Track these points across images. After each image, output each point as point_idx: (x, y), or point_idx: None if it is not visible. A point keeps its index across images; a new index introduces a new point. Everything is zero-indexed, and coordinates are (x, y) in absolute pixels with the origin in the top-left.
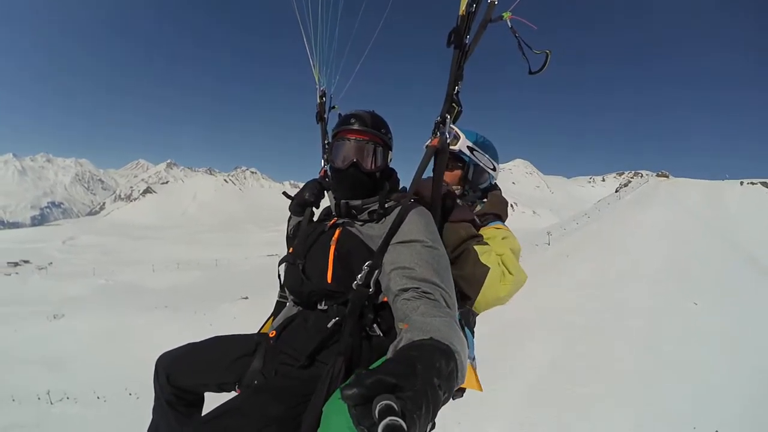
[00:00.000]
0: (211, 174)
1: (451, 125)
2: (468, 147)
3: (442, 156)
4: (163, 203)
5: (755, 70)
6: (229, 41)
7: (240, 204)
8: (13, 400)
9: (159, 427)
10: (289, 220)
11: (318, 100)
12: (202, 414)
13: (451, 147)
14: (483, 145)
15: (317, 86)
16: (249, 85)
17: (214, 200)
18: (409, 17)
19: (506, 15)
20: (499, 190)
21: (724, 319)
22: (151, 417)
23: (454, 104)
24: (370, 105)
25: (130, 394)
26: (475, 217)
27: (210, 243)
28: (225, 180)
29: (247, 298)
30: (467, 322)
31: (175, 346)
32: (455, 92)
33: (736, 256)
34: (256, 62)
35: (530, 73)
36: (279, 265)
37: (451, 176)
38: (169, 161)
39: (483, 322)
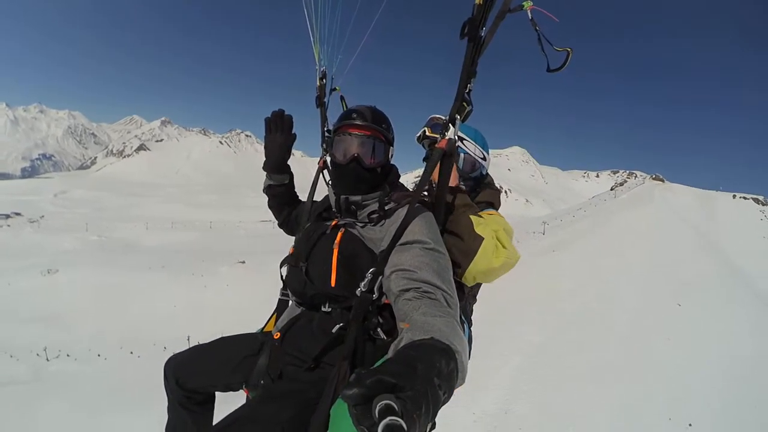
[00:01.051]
0: (205, 135)
1: (436, 116)
2: (457, 136)
3: (450, 159)
4: (156, 161)
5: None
6: (228, 5)
7: (234, 166)
8: (11, 356)
9: (176, 427)
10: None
11: (317, 83)
12: (214, 409)
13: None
14: (470, 134)
15: (317, 66)
16: (247, 49)
17: (208, 161)
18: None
19: (527, 4)
20: (491, 179)
21: (704, 321)
22: (166, 412)
23: (465, 103)
24: (374, 88)
25: (131, 353)
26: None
27: (203, 204)
28: (220, 141)
29: (244, 262)
30: (465, 313)
31: (181, 349)
32: (467, 90)
33: (721, 264)
34: (254, 27)
35: (548, 70)
36: (281, 267)
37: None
38: (163, 119)
39: (478, 303)
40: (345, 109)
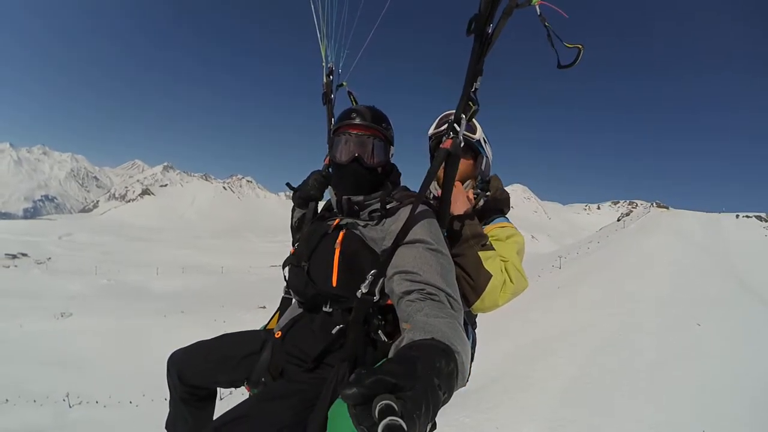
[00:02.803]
0: (206, 180)
1: (448, 112)
2: (482, 138)
3: (454, 159)
4: (160, 206)
5: (752, 101)
6: (227, 61)
7: (238, 212)
8: (34, 401)
9: (176, 421)
10: (293, 212)
11: (324, 80)
12: (216, 405)
13: (470, 136)
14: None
15: (324, 63)
16: (249, 97)
17: (213, 206)
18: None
19: (535, 0)
20: (499, 180)
21: (723, 338)
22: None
23: (471, 102)
24: (379, 85)
25: (152, 400)
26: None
27: (211, 249)
28: (224, 187)
29: (264, 307)
30: (469, 316)
31: (185, 345)
32: (473, 90)
33: (733, 282)
34: (254, 79)
35: (559, 66)
36: (283, 267)
37: (466, 169)
38: (166, 164)
39: (511, 338)
40: (354, 104)
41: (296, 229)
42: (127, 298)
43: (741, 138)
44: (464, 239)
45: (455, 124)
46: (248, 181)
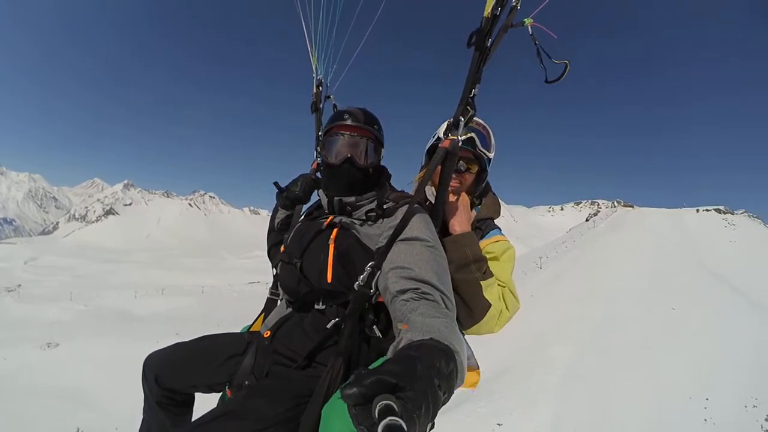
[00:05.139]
0: (168, 197)
1: (487, 126)
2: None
3: (452, 159)
4: (126, 225)
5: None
6: (187, 68)
7: (206, 229)
8: None
9: (151, 428)
10: (274, 213)
11: (314, 90)
12: (193, 411)
13: (486, 153)
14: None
15: (314, 75)
16: (207, 110)
17: (179, 224)
18: (413, 11)
19: (528, 21)
20: (489, 183)
21: (695, 318)
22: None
23: (468, 107)
24: (367, 99)
25: None
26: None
27: (185, 268)
28: (189, 204)
29: None
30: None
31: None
32: (471, 95)
33: (700, 270)
34: (213, 88)
35: (547, 81)
36: (275, 264)
37: (471, 184)
38: (126, 182)
39: (512, 334)
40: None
41: (279, 230)
42: (110, 323)
43: (693, 132)
44: (465, 263)
45: (453, 126)
46: (211, 197)
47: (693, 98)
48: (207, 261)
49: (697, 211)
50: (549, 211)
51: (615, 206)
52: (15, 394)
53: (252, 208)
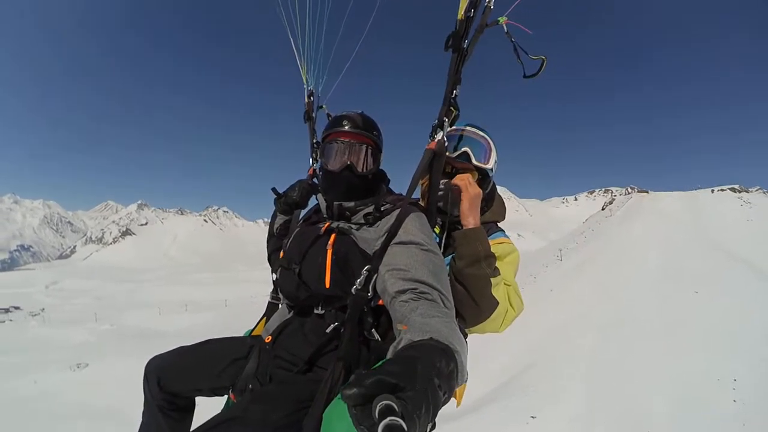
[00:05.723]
0: (182, 214)
1: (486, 135)
2: (495, 161)
3: (439, 159)
4: (143, 245)
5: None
6: (197, 85)
7: (221, 243)
8: None
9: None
10: (273, 218)
11: (306, 100)
12: (193, 417)
13: (482, 166)
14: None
15: (305, 86)
16: (219, 127)
17: (195, 240)
18: (399, 19)
19: (502, 19)
20: (494, 186)
21: (717, 300)
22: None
23: (452, 108)
24: (358, 105)
25: None
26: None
27: (204, 283)
28: (204, 220)
29: None
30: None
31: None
32: (453, 96)
33: (718, 252)
34: (220, 103)
35: (525, 77)
36: (274, 270)
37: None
38: (140, 202)
39: (529, 328)
40: None
41: (278, 236)
42: (136, 342)
43: (702, 110)
44: (476, 258)
45: (438, 127)
46: (224, 211)
47: (694, 78)
48: (224, 275)
49: (712, 191)
50: (563, 202)
51: (629, 192)
52: (47, 416)
53: (265, 219)
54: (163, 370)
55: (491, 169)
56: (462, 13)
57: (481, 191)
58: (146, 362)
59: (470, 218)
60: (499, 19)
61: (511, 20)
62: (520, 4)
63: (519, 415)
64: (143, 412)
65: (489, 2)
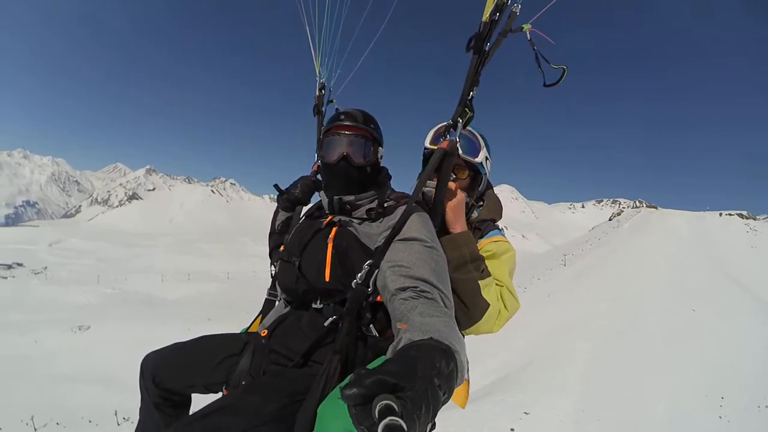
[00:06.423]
0: (190, 183)
1: (474, 132)
2: (485, 157)
3: (450, 159)
4: (149, 210)
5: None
6: (212, 56)
7: (228, 216)
8: (90, 421)
9: (147, 428)
10: (275, 215)
11: (317, 92)
12: (189, 413)
13: (471, 160)
14: (488, 147)
15: (317, 78)
16: (231, 98)
17: (202, 210)
18: (415, 23)
19: (526, 27)
20: (491, 186)
21: (713, 320)
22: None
23: (467, 109)
24: (369, 107)
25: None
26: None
27: (209, 254)
28: (212, 190)
29: None
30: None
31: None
32: (470, 97)
33: (720, 274)
34: (239, 79)
35: (545, 85)
36: (274, 263)
37: (464, 186)
38: (148, 167)
39: (535, 327)
40: None
41: (280, 232)
42: (138, 307)
43: (719, 130)
44: (462, 262)
45: (452, 127)
46: (232, 183)
47: (719, 95)
48: (229, 247)
49: (720, 215)
50: (570, 208)
51: (638, 206)
52: (49, 378)
53: (272, 195)
54: (158, 366)
55: (481, 164)
56: (487, 15)
57: (464, 197)
58: (143, 357)
59: (456, 225)
60: (523, 26)
61: (535, 28)
62: (545, 12)
63: (513, 409)
64: (140, 409)
65: (515, 8)
